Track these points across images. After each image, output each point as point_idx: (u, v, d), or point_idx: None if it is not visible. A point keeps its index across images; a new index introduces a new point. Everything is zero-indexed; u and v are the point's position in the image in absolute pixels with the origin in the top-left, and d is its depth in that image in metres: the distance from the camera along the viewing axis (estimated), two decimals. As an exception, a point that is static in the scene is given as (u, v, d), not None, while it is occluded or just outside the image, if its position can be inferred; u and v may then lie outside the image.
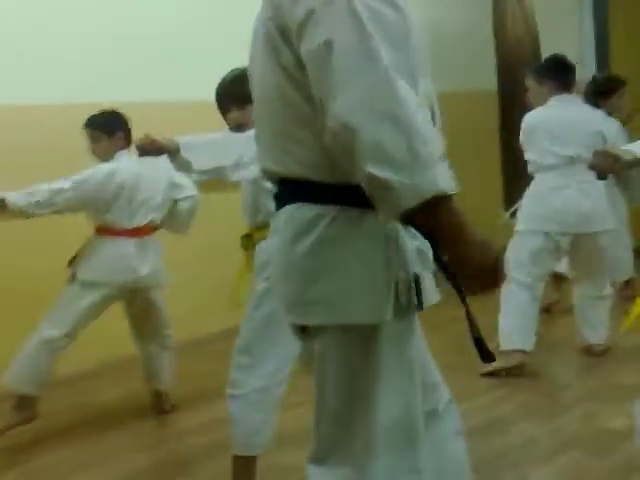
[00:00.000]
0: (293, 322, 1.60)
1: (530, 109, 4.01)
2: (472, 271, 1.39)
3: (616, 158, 1.65)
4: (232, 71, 2.76)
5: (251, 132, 2.59)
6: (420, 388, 1.57)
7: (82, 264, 3.41)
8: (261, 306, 2.58)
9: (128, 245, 3.43)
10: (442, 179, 1.35)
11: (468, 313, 1.50)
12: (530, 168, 3.98)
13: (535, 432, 3.16)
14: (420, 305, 1.52)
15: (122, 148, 3.46)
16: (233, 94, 2.72)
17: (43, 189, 3.28)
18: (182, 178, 3.51)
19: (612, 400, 3.39)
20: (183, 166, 2.58)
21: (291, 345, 2.56)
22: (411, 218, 1.38)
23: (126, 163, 3.43)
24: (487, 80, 6.34)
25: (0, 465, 3.16)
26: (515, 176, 6.05)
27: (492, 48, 6.20)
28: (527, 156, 3.98)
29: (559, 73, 3.90)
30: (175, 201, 3.59)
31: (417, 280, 1.50)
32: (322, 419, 1.57)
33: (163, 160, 3.44)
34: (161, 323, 3.62)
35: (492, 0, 6.19)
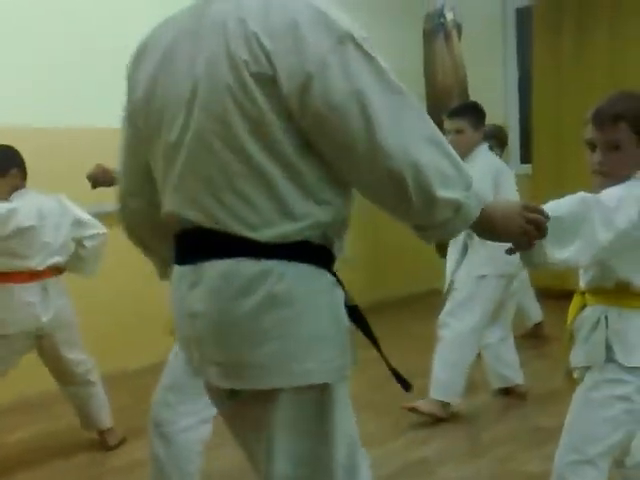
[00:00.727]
0: (230, 387, 1.48)
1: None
2: (520, 236, 1.58)
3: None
4: None
5: None
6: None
7: None
8: None
9: (29, 292, 3.28)
10: (479, 188, 1.49)
11: (379, 349, 1.54)
12: None
13: (453, 476, 3.18)
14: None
15: (17, 186, 3.32)
16: None
17: None
18: (87, 215, 3.44)
19: (531, 443, 3.45)
20: None
21: None
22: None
23: (24, 202, 3.28)
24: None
25: None
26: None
27: (422, 95, 6.32)
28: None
29: (484, 121, 3.94)
30: (80, 240, 3.44)
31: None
32: None
33: (64, 197, 3.41)
34: (76, 362, 3.49)
35: (423, 49, 6.31)
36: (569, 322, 2.15)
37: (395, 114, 1.37)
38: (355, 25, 1.42)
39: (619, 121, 1.99)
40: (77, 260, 3.46)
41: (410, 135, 1.38)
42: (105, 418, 3.62)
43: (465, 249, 3.81)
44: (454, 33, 6.37)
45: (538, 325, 5.28)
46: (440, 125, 5.80)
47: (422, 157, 1.37)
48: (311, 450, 1.48)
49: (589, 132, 2.07)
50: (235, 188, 1.41)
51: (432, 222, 1.44)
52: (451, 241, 3.88)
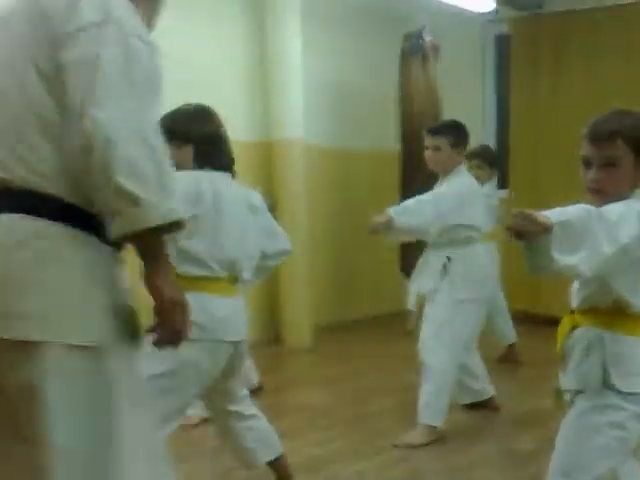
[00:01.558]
0: None
1: (431, 171, 3.89)
2: (163, 314, 1.53)
3: (534, 220, 1.65)
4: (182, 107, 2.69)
5: None
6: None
7: None
8: None
9: None
10: (180, 211, 1.50)
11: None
12: (467, 233, 3.76)
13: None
14: (136, 338, 1.56)
15: None
16: (167, 130, 2.63)
17: None
18: None
19: (506, 466, 3.40)
20: None
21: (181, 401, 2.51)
22: (131, 240, 1.47)
23: None
24: (392, 143, 6.48)
25: None
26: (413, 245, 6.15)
27: (398, 114, 6.35)
28: (468, 221, 3.74)
29: (467, 140, 3.89)
30: None
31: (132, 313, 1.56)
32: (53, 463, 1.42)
33: None
34: None
35: (400, 69, 6.34)
36: (559, 343, 2.06)
37: (119, 97, 1.44)
38: (141, 27, 1.54)
39: (615, 138, 1.95)
40: None
41: (126, 123, 1.43)
42: None
43: (444, 271, 3.78)
44: (432, 55, 6.41)
45: (511, 347, 5.24)
46: (414, 133, 5.93)
47: (124, 143, 1.41)
48: (88, 420, 1.47)
49: (584, 149, 2.02)
50: (27, 139, 1.49)
51: (106, 205, 1.45)
52: (424, 261, 3.86)
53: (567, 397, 2.05)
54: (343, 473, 3.31)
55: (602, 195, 1.97)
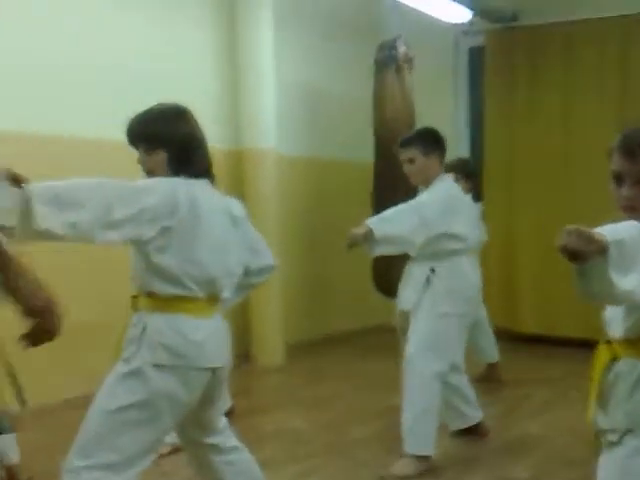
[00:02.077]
0: None
1: (409, 182, 3.65)
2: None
3: (590, 238, 1.40)
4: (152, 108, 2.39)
5: (142, 180, 2.21)
6: None
7: None
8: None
9: None
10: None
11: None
12: (452, 245, 3.53)
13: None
14: None
15: None
16: (136, 134, 2.34)
17: None
18: None
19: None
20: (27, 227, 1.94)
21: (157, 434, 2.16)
22: None
23: None
24: (366, 153, 6.26)
25: None
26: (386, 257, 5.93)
27: (372, 123, 6.16)
28: (453, 230, 3.50)
29: (442, 145, 3.64)
30: None
31: None
32: None
33: None
34: None
35: (374, 79, 6.17)
36: (596, 376, 1.81)
37: None
38: None
39: None
40: None
41: None
42: (13, 454, 3.18)
43: (427, 283, 3.54)
44: (405, 66, 6.25)
45: (493, 365, 5.04)
46: (388, 143, 5.78)
47: None
48: None
49: (616, 163, 1.76)
50: None
51: None
52: (407, 274, 3.63)
53: (608, 437, 1.80)
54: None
55: (638, 213, 1.72)
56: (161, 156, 2.29)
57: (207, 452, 2.46)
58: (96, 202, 2.02)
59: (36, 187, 1.93)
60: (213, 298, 2.32)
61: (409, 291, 3.59)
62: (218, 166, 5.15)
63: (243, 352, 5.51)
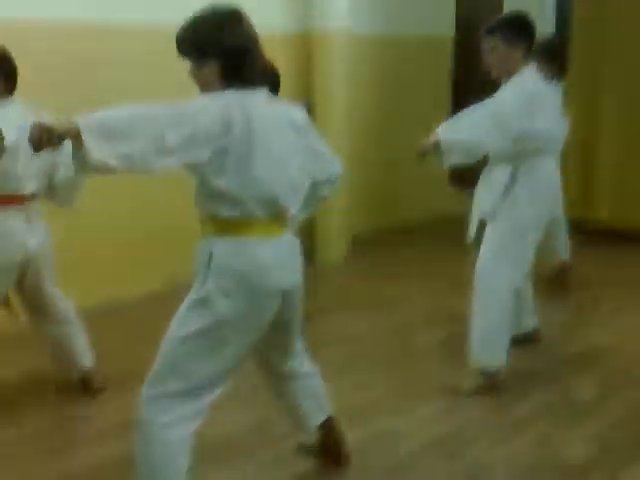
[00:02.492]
0: None
1: (489, 72, 3.32)
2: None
3: None
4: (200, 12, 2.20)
5: (192, 100, 2.07)
6: None
7: None
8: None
9: (15, 217, 2.94)
10: None
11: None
12: (535, 144, 3.27)
13: (486, 457, 2.85)
14: None
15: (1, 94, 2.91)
16: (185, 43, 2.18)
17: None
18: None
19: (569, 420, 3.12)
20: (82, 161, 1.93)
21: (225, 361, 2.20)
22: None
23: (5, 115, 2.86)
24: (444, 27, 5.87)
25: None
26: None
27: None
28: (534, 130, 3.21)
29: (531, 36, 3.29)
30: (54, 167, 3.02)
31: None
32: None
33: (47, 115, 2.95)
34: (58, 297, 3.21)
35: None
36: None
37: None
38: None
39: None
40: (49, 188, 3.07)
41: None
42: (87, 358, 3.35)
43: (507, 189, 3.35)
44: None
45: (562, 267, 4.76)
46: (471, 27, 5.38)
47: None
48: None
49: None
50: None
51: None
52: (485, 178, 3.41)
53: None
54: (384, 427, 3.06)
55: None
56: (213, 67, 2.13)
57: (283, 378, 2.56)
58: (148, 130, 1.95)
59: (87, 120, 1.89)
60: (279, 217, 2.22)
61: (486, 197, 3.39)
62: (284, 53, 5.00)
63: (305, 250, 5.43)
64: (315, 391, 2.64)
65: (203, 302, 2.16)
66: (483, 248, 3.37)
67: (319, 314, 4.24)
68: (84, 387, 3.34)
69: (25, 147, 2.81)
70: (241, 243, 2.16)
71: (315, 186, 2.39)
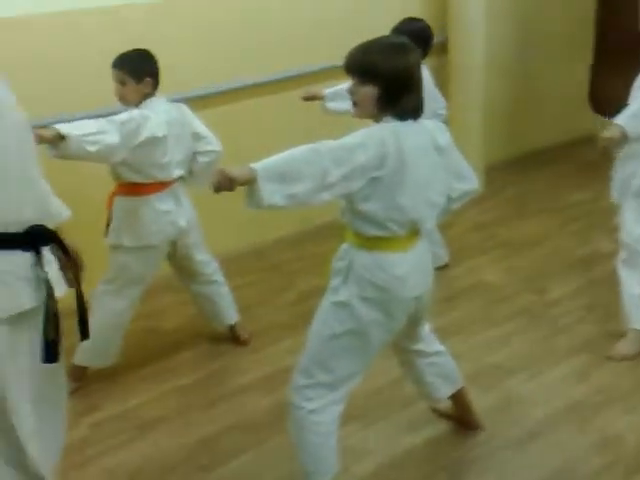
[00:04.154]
0: None
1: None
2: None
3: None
4: None
5: (352, 137, 2.24)
6: None
7: (124, 230, 3.20)
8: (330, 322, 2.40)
9: (164, 200, 3.22)
10: None
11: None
12: None
13: (618, 428, 2.90)
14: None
15: (149, 94, 3.15)
16: (352, 63, 2.31)
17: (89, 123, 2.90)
18: (205, 129, 3.30)
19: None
20: (256, 202, 2.13)
21: (366, 357, 2.41)
22: None
23: (156, 111, 3.10)
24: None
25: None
26: (607, 72, 5.43)
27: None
28: None
29: None
30: (194, 153, 3.31)
31: None
32: None
33: (185, 107, 3.28)
34: (205, 263, 3.51)
35: None
36: None
37: None
38: None
39: None
40: (188, 173, 3.35)
41: None
42: (233, 313, 3.65)
43: None
44: None
45: None
46: None
47: None
48: None
49: None
50: None
51: None
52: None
53: None
54: (521, 391, 3.17)
55: None
56: (370, 91, 2.24)
57: (412, 356, 2.77)
58: (313, 171, 2.11)
59: (263, 167, 2.07)
60: (415, 232, 2.40)
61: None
62: None
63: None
64: (442, 369, 2.80)
65: (344, 306, 2.36)
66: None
67: (451, 261, 4.32)
68: (233, 339, 3.67)
69: (171, 139, 3.12)
70: (380, 257, 2.33)
71: (449, 200, 2.50)
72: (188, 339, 3.74)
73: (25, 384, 1.93)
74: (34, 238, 1.89)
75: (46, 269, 1.91)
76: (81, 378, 3.30)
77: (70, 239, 2.07)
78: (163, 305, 4.05)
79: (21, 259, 1.86)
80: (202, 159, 3.31)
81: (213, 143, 3.32)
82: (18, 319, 1.87)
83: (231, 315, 3.65)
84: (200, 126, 3.30)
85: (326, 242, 4.58)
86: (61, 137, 2.75)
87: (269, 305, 4.02)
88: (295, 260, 4.56)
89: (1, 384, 1.85)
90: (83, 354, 3.27)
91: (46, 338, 1.91)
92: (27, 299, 1.87)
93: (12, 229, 1.83)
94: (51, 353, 1.93)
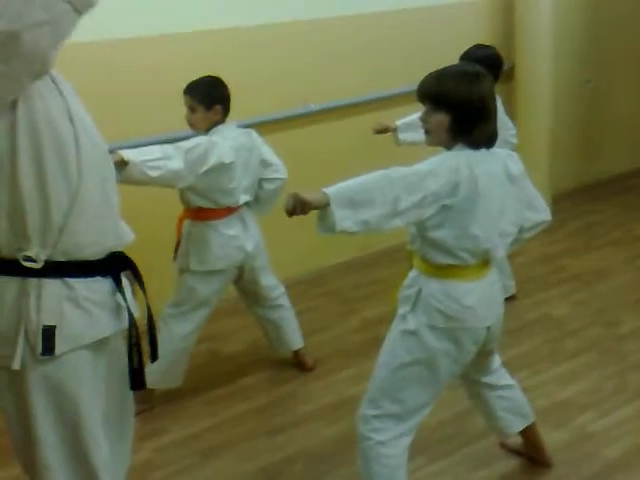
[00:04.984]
0: None
1: None
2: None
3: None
4: None
5: (425, 164, 2.24)
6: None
7: (193, 254, 3.24)
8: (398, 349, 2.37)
9: (231, 225, 3.24)
10: None
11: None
12: None
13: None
14: (49, 351, 1.76)
15: (218, 121, 3.18)
16: (424, 90, 2.31)
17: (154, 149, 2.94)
18: (273, 156, 3.33)
19: None
20: (328, 227, 2.14)
21: (435, 388, 2.38)
22: None
23: (224, 137, 3.13)
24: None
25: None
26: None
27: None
28: None
29: None
30: (260, 181, 3.34)
31: (47, 330, 1.75)
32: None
33: (254, 133, 3.30)
34: (271, 287, 3.51)
35: None
36: None
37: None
38: None
39: None
40: (254, 199, 3.37)
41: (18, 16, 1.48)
42: (298, 339, 3.65)
43: None
44: None
45: None
46: None
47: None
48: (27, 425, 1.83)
49: None
50: None
51: None
52: None
53: None
54: (592, 428, 3.07)
55: None
56: (443, 118, 2.23)
57: (481, 388, 2.71)
58: (385, 197, 2.10)
59: (335, 192, 2.08)
60: (486, 262, 2.36)
61: None
62: (482, 18, 4.93)
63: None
64: (512, 403, 2.73)
65: (413, 335, 2.33)
66: None
67: (520, 293, 4.23)
68: (297, 365, 3.65)
69: (239, 165, 3.15)
70: (450, 285, 2.30)
71: (521, 230, 2.46)
72: (252, 364, 3.74)
73: (100, 410, 1.94)
74: (113, 264, 1.91)
75: (124, 295, 1.93)
76: (148, 400, 3.32)
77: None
78: (227, 328, 4.07)
79: (101, 286, 1.88)
80: (268, 186, 3.34)
81: (280, 171, 3.34)
82: (98, 345, 1.88)
83: (296, 340, 3.64)
84: (268, 153, 3.32)
85: (387, 268, 4.63)
86: (124, 162, 2.80)
87: (332, 332, 4.00)
88: (356, 286, 4.54)
89: (77, 410, 1.86)
90: (150, 376, 3.28)
91: (133, 365, 1.93)
92: (107, 326, 1.89)
93: (97, 256, 1.85)
94: (138, 380, 1.95)
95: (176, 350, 3.30)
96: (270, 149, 3.35)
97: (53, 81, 1.71)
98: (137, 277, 1.99)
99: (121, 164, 2.78)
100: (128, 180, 2.85)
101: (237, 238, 3.26)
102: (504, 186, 2.31)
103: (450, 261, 2.28)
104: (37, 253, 1.73)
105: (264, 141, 3.35)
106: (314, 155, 4.51)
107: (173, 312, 3.30)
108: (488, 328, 2.41)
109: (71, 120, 1.74)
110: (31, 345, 1.76)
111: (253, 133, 3.32)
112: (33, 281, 1.75)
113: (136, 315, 1.98)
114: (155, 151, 2.91)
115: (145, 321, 1.99)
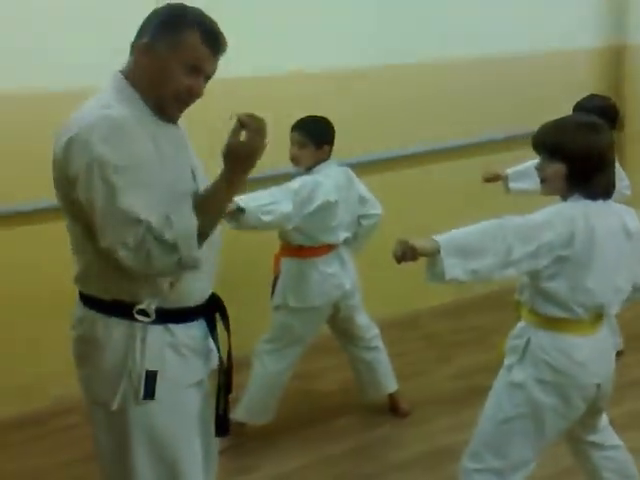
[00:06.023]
0: None
1: None
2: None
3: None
4: None
5: (540, 214, 2.20)
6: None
7: (292, 291, 3.23)
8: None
9: (330, 263, 3.23)
10: None
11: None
12: None
13: None
14: (150, 395, 1.81)
15: (324, 159, 3.21)
16: (541, 140, 2.28)
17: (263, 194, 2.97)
18: (369, 193, 3.33)
19: None
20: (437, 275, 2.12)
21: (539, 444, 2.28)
22: None
23: (328, 176, 3.16)
24: None
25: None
26: None
27: None
28: None
29: None
30: (358, 217, 3.34)
31: (150, 375, 1.80)
32: None
33: (350, 171, 3.31)
34: (366, 327, 3.47)
35: None
36: None
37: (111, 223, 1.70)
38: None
39: None
40: (351, 237, 3.36)
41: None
42: (392, 382, 3.57)
43: None
44: None
45: None
46: None
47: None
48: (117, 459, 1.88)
49: None
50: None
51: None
52: None
53: None
54: None
55: None
56: (559, 169, 2.19)
57: (587, 447, 2.57)
58: (498, 247, 2.07)
59: (445, 239, 2.06)
60: (598, 317, 2.28)
61: None
62: (593, 66, 4.86)
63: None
64: (619, 465, 2.58)
65: (520, 387, 2.25)
66: None
67: (628, 348, 4.04)
68: (390, 409, 3.57)
69: (341, 203, 3.15)
70: (560, 339, 2.23)
71: (636, 290, 2.36)
72: (344, 404, 3.68)
73: (199, 446, 1.95)
74: (208, 307, 1.94)
75: (215, 338, 1.95)
76: (238, 435, 3.31)
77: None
78: (320, 367, 4.02)
79: (197, 331, 1.91)
80: (365, 222, 3.34)
81: (376, 206, 3.35)
82: (193, 385, 1.92)
83: (390, 383, 3.56)
84: (364, 189, 3.34)
85: (484, 314, 4.51)
86: (239, 209, 2.82)
87: (427, 377, 3.90)
88: (453, 331, 4.43)
89: (176, 448, 1.87)
90: (241, 410, 3.29)
91: (218, 411, 1.94)
92: (201, 370, 1.93)
93: (199, 303, 1.89)
94: (223, 426, 1.96)
95: (269, 386, 3.29)
96: (364, 186, 3.35)
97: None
98: (224, 317, 2.00)
99: (236, 212, 2.81)
100: (242, 226, 2.88)
101: (335, 276, 3.25)
102: (621, 241, 2.24)
103: (562, 314, 2.21)
104: (149, 304, 1.78)
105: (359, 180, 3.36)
106: (419, 197, 4.49)
107: (268, 348, 3.29)
108: (598, 385, 2.30)
109: (193, 176, 1.81)
110: (134, 388, 1.80)
111: (349, 170, 3.33)
112: (139, 325, 1.79)
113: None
114: (264, 196, 2.94)
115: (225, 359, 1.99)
